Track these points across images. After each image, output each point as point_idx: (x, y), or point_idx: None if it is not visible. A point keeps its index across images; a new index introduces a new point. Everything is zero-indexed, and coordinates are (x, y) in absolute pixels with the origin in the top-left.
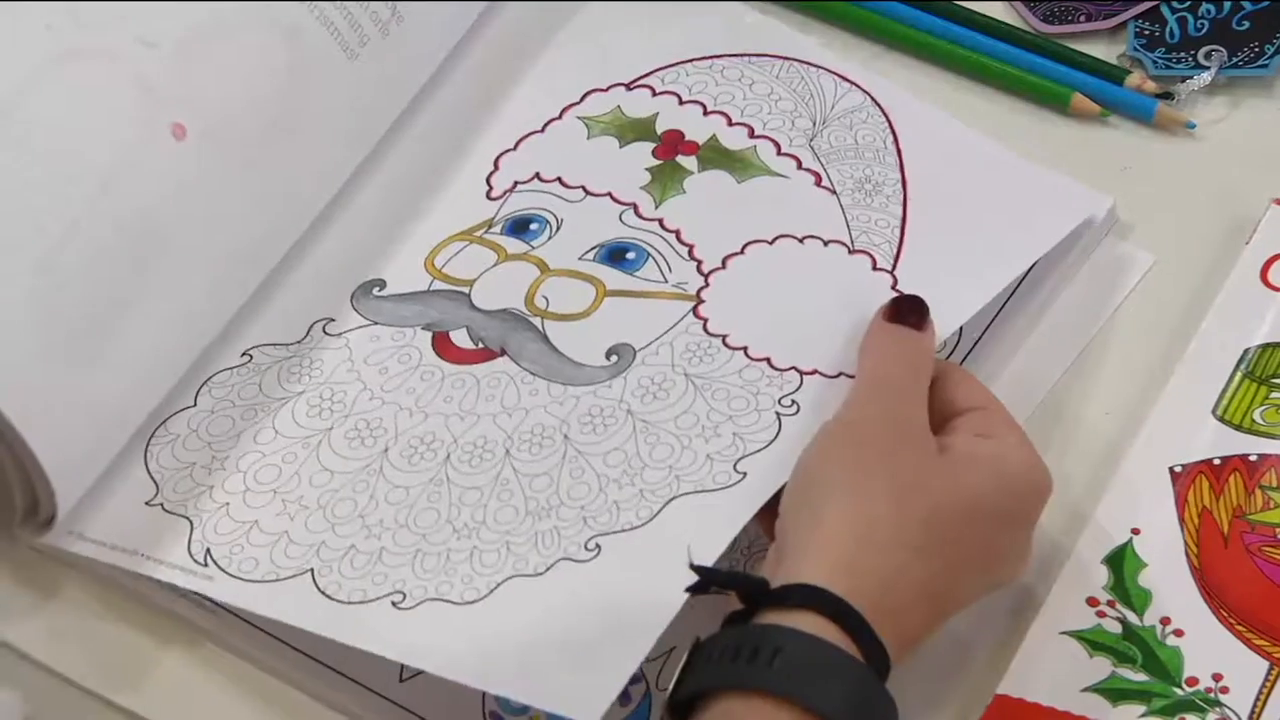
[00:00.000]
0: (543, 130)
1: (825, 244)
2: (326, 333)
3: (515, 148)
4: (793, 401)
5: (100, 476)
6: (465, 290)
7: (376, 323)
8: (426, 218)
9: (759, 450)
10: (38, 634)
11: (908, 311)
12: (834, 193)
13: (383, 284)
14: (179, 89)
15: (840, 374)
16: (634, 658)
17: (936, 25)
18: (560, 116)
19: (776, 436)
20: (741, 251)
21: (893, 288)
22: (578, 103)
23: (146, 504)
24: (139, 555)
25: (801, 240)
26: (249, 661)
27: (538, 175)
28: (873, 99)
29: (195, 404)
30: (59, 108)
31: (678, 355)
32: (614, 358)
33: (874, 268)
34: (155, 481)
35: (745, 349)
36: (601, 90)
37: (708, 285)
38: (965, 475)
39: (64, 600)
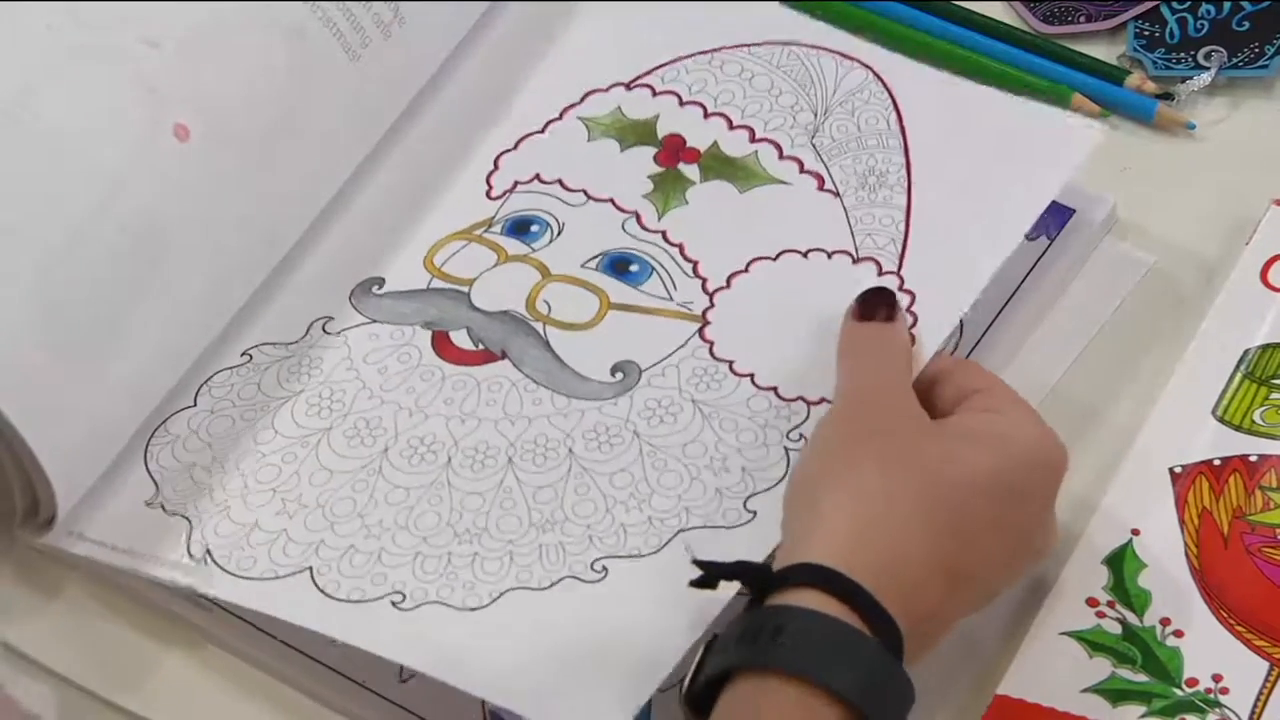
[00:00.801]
0: (543, 131)
1: (829, 256)
2: (326, 331)
3: (515, 148)
4: (800, 435)
5: (101, 477)
6: (465, 290)
7: (375, 320)
8: (426, 216)
9: (769, 488)
10: (38, 634)
11: (876, 305)
12: (837, 195)
13: (382, 282)
14: (182, 89)
15: None
16: (643, 692)
17: (936, 25)
18: (560, 117)
19: (785, 474)
20: (746, 269)
21: (900, 289)
22: (578, 103)
23: (146, 504)
24: (137, 555)
25: (805, 254)
26: (249, 662)
27: (538, 176)
28: (874, 73)
29: (195, 404)
30: (61, 108)
31: (684, 380)
32: (619, 375)
33: (879, 273)
34: (155, 482)
35: (752, 376)
36: (602, 90)
37: (713, 306)
38: (964, 448)
39: (64, 601)
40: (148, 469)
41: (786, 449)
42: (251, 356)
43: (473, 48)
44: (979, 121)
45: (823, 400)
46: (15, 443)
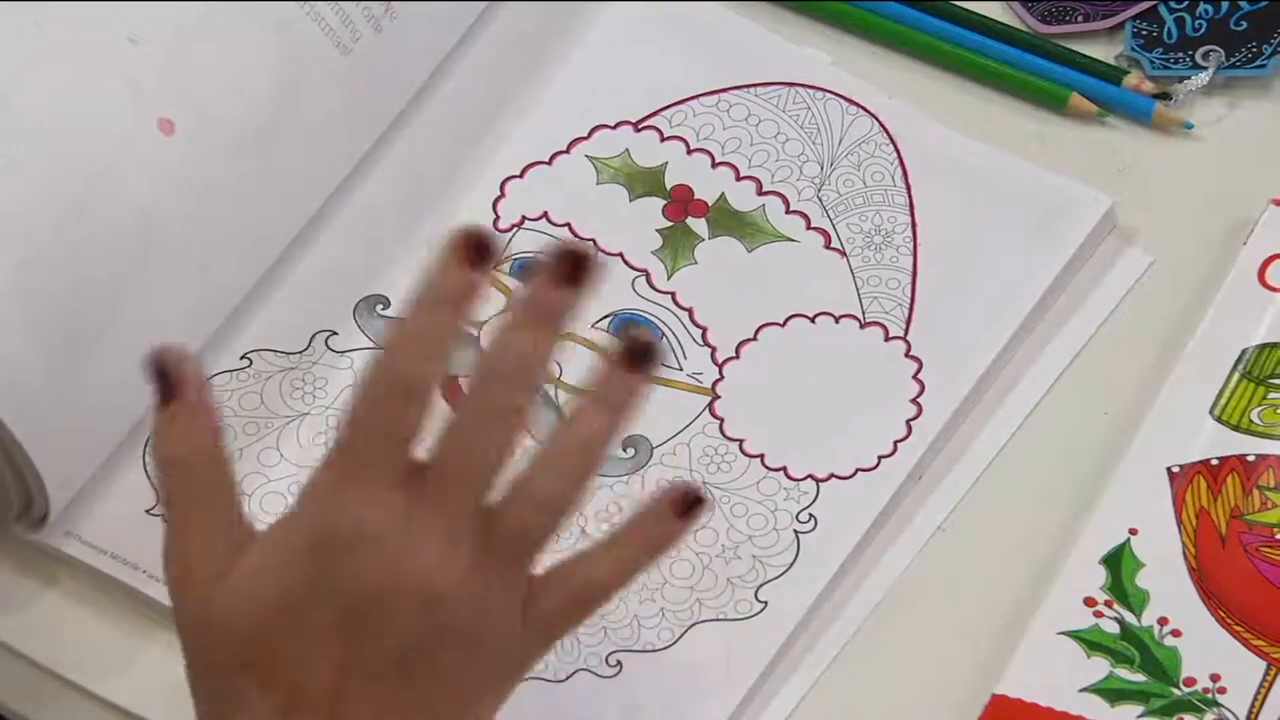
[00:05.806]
0: (550, 162)
1: (837, 320)
2: (330, 348)
3: (522, 176)
4: (810, 516)
5: (97, 477)
6: (473, 331)
7: (381, 346)
8: (431, 234)
9: (779, 575)
10: (34, 630)
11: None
12: (843, 254)
13: (386, 302)
14: (166, 85)
15: (856, 471)
16: None
17: (934, 25)
18: (568, 151)
19: (795, 559)
20: (755, 337)
21: (906, 355)
22: (586, 138)
23: (147, 513)
24: (142, 572)
25: (813, 319)
26: None
27: (546, 215)
28: (879, 123)
29: None
30: (45, 105)
31: (696, 459)
32: (631, 450)
33: (886, 338)
34: (155, 488)
35: (762, 457)
36: (609, 128)
37: (722, 378)
38: None
39: (60, 596)
40: (146, 471)
41: (796, 532)
42: (251, 361)
43: (475, 45)
44: (985, 186)
45: (831, 476)
46: (4, 437)
